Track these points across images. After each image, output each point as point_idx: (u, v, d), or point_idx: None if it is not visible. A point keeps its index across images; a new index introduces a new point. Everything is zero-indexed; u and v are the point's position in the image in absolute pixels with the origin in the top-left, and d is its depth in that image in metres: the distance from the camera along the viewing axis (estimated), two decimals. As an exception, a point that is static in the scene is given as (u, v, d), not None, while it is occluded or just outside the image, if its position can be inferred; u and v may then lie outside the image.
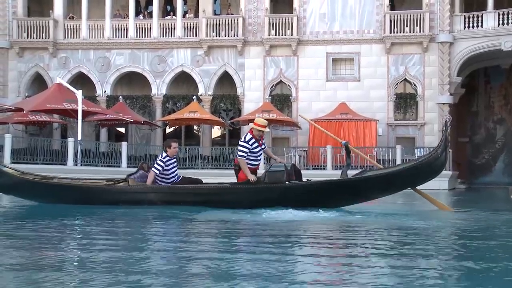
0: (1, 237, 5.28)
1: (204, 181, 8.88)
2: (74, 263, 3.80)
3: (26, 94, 24.73)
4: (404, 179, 7.89)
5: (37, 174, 9.40)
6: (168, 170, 8.53)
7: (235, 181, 8.16)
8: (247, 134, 8.17)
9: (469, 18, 23.40)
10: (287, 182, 7.69)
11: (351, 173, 8.58)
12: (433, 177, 8.06)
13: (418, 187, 8.24)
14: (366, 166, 16.76)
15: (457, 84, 24.03)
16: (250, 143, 8.00)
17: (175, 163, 8.67)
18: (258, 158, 8.22)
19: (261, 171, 8.83)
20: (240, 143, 8.05)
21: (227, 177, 8.94)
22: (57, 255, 4.11)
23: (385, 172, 7.98)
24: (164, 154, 8.56)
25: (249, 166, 7.99)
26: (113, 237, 5.17)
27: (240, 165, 7.95)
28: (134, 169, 9.04)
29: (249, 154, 8.01)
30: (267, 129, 8.35)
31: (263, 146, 8.23)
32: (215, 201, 7.82)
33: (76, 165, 18.92)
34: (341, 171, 8.35)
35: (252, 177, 7.77)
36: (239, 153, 7.98)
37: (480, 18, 23.18)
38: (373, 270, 3.51)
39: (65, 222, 6.71)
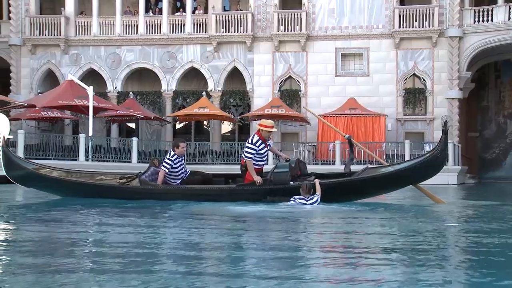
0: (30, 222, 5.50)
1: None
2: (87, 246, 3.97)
3: (39, 91, 25.06)
4: (404, 177, 8.05)
5: (57, 168, 9.70)
6: (176, 168, 8.74)
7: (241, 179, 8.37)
8: (254, 135, 8.31)
9: (479, 12, 23.29)
10: (291, 182, 7.92)
11: (355, 168, 8.72)
12: (433, 175, 8.21)
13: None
14: (374, 161, 16.83)
15: (466, 79, 23.96)
16: (257, 144, 8.16)
17: (183, 161, 8.89)
18: (264, 158, 8.38)
19: (269, 166, 9.01)
20: (247, 144, 8.19)
21: (237, 172, 9.09)
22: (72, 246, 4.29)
23: (384, 172, 8.08)
24: (172, 153, 8.75)
25: (255, 166, 8.17)
26: (125, 231, 5.34)
27: (247, 166, 8.11)
28: (145, 165, 9.26)
29: (255, 155, 8.17)
30: (274, 129, 8.52)
31: (269, 146, 8.40)
32: (223, 200, 8.05)
33: (88, 160, 19.19)
34: (344, 165, 8.50)
35: (258, 179, 7.95)
36: (246, 154, 8.13)
37: (490, 12, 23.07)
38: (382, 263, 3.62)
39: (83, 214, 6.93)
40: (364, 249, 4.15)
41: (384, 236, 4.89)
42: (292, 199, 7.63)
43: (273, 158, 18.98)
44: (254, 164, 8.16)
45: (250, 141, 8.22)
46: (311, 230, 5.47)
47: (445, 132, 7.79)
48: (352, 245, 4.31)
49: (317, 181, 7.75)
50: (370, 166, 8.71)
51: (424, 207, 8.17)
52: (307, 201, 7.53)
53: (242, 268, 3.34)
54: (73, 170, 9.75)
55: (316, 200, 7.58)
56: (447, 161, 20.61)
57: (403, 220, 6.29)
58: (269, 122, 8.32)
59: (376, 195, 8.64)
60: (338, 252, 4.03)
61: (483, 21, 23.10)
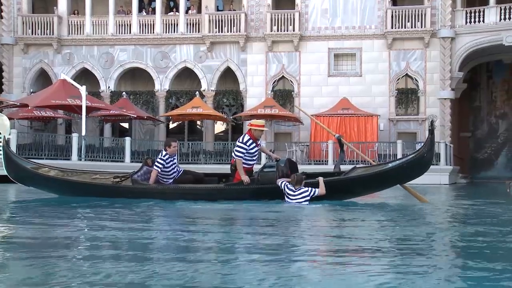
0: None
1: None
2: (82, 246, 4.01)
3: (31, 90, 24.97)
4: (391, 177, 8.07)
5: (56, 167, 9.82)
6: (168, 167, 8.81)
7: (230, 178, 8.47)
8: (245, 135, 8.39)
9: (470, 13, 23.46)
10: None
11: (346, 167, 8.77)
12: (420, 175, 8.21)
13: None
14: (367, 162, 16.93)
15: (458, 79, 24.11)
16: (247, 144, 8.22)
17: (175, 160, 8.95)
18: (254, 158, 8.44)
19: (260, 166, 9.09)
20: (238, 143, 8.26)
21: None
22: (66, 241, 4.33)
23: (371, 172, 8.11)
24: (164, 153, 8.81)
25: (245, 165, 8.24)
26: (119, 229, 5.38)
27: (236, 165, 8.18)
28: (137, 164, 9.33)
29: (246, 154, 8.23)
30: (266, 128, 8.61)
31: (259, 146, 8.47)
32: (212, 199, 8.16)
33: (80, 160, 19.17)
34: (334, 165, 8.57)
35: (246, 179, 8.02)
36: (237, 153, 8.20)
37: (482, 13, 23.24)
38: (370, 260, 3.68)
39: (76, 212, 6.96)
40: (351, 250, 4.20)
41: (368, 237, 4.92)
42: (282, 183, 7.77)
43: (266, 158, 19.02)
44: (244, 163, 8.23)
45: (240, 140, 8.28)
46: (300, 232, 5.52)
47: (431, 132, 7.83)
48: (337, 248, 4.36)
49: (320, 179, 7.83)
50: (358, 165, 8.75)
51: (406, 207, 8.24)
52: (294, 191, 7.65)
53: (233, 270, 3.37)
54: (73, 169, 9.87)
55: (307, 193, 7.64)
56: (439, 160, 20.85)
57: (385, 221, 6.33)
58: (260, 121, 8.41)
59: (364, 195, 8.67)
60: (326, 256, 4.08)
61: (474, 22, 23.27)
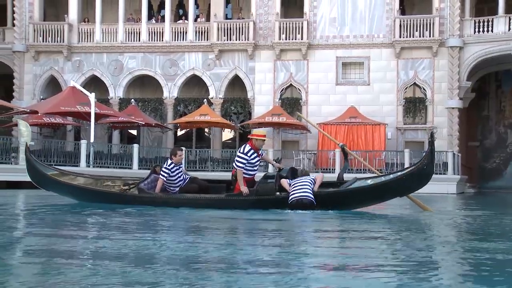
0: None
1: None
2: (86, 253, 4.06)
3: (41, 97, 25.20)
4: (391, 190, 8.01)
5: (83, 174, 10.13)
6: (173, 176, 8.89)
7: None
8: (246, 145, 8.41)
9: (479, 22, 23.45)
10: (278, 193, 8.06)
11: (352, 175, 8.78)
12: (420, 187, 8.15)
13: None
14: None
15: (467, 89, 24.06)
16: (248, 154, 8.25)
17: (181, 169, 9.02)
18: (255, 168, 8.47)
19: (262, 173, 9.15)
20: (239, 154, 8.29)
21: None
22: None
23: (369, 184, 8.05)
24: (169, 162, 8.88)
25: (246, 175, 8.28)
26: (125, 234, 5.44)
27: (237, 175, 8.23)
28: (145, 171, 9.44)
29: (246, 165, 8.27)
30: (267, 138, 8.64)
31: (261, 156, 8.52)
32: (213, 207, 8.26)
33: (89, 166, 19.29)
34: (337, 174, 8.57)
35: (245, 190, 8.06)
36: (237, 164, 8.22)
37: (490, 23, 23.22)
38: (376, 265, 3.70)
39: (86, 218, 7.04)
40: (351, 264, 4.22)
41: (369, 248, 4.94)
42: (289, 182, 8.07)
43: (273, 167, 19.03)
44: (245, 173, 8.26)
45: (241, 151, 8.31)
46: (302, 243, 5.55)
47: (431, 143, 7.73)
48: (338, 261, 4.38)
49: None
50: (358, 177, 8.69)
51: (408, 217, 8.21)
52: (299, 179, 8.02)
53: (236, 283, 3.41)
54: (99, 176, 10.09)
55: (310, 179, 7.99)
56: (447, 170, 20.78)
57: (387, 232, 6.30)
58: (261, 131, 8.44)
59: (363, 207, 8.55)
60: (328, 269, 4.11)
61: (483, 31, 23.25)
